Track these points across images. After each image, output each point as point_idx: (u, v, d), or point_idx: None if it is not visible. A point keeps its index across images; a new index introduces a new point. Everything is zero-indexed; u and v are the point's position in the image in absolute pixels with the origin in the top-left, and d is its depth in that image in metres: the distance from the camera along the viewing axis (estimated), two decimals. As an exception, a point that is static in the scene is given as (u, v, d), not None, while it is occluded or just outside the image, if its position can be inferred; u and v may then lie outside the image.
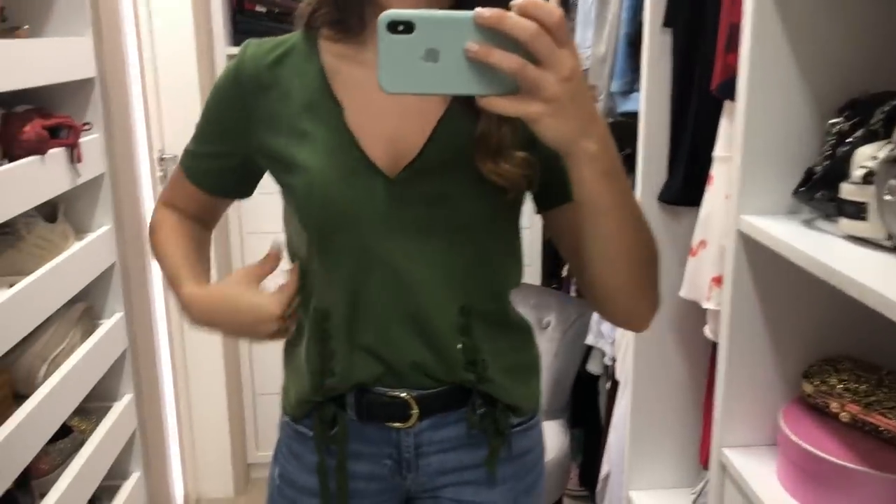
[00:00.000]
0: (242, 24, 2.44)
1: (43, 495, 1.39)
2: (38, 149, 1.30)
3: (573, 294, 2.37)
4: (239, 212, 2.56)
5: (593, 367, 2.18)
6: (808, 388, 1.14)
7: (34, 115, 1.34)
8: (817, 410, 1.13)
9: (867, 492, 1.01)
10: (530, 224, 2.62)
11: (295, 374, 1.05)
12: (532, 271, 2.63)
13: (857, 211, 0.97)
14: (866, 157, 0.97)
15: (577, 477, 2.44)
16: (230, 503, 2.69)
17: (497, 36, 0.68)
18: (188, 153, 1.07)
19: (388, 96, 0.75)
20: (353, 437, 1.02)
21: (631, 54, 1.67)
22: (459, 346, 0.97)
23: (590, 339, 2.10)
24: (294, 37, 1.00)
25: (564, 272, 2.41)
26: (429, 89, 0.73)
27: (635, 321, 0.95)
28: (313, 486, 1.04)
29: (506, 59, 0.68)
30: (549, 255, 2.61)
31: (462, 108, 0.92)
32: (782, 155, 1.12)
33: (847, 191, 0.98)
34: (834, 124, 1.06)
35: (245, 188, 1.08)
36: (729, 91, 1.21)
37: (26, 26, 1.38)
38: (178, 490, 1.93)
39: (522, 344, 1.07)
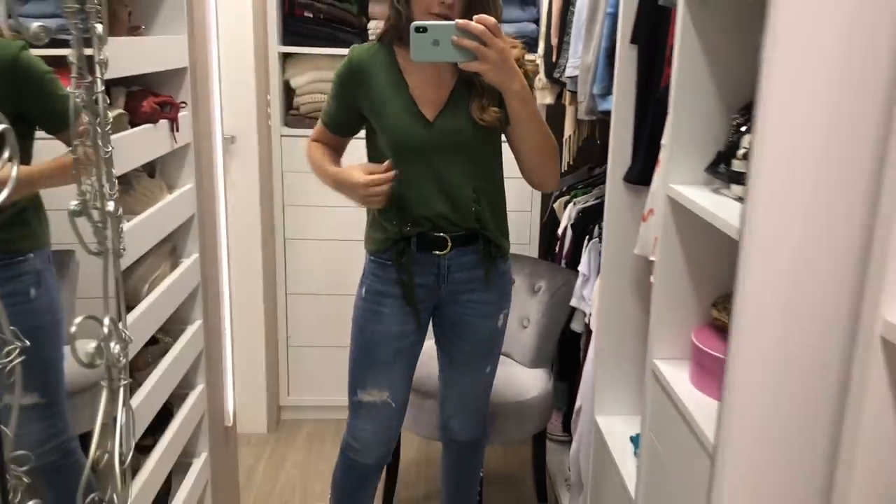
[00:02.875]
0: (293, 26, 2.87)
1: (138, 385, 1.82)
2: (152, 119, 1.72)
3: (563, 265, 2.78)
4: (284, 220, 3.02)
5: (576, 325, 2.58)
6: (714, 313, 1.54)
7: (147, 94, 1.78)
8: (719, 329, 1.53)
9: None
10: (530, 208, 3.04)
11: (380, 227, 1.87)
12: (531, 248, 3.04)
13: (739, 178, 1.38)
14: (747, 141, 1.38)
15: (560, 423, 2.84)
16: (262, 439, 3.13)
17: (466, 32, 1.57)
18: (325, 113, 1.93)
19: (426, 76, 1.81)
20: (414, 262, 1.86)
21: (608, 64, 2.08)
22: (473, 208, 1.85)
23: (573, 302, 2.50)
24: (380, 46, 1.85)
25: (557, 249, 2.82)
26: (436, 59, 1.63)
27: (546, 184, 1.92)
28: (389, 291, 1.89)
29: (471, 43, 1.58)
30: (546, 234, 3.03)
31: (463, 85, 1.81)
32: (700, 140, 1.52)
33: (735, 165, 1.39)
34: (734, 119, 1.47)
35: (354, 130, 1.94)
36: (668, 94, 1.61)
37: (143, 26, 1.81)
38: (230, 406, 2.35)
39: (504, 212, 1.95)
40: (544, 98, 2.85)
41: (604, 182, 2.90)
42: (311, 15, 2.87)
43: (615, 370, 2.09)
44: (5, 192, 1.01)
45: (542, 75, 2.82)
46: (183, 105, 1.87)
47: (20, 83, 1.38)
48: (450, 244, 1.86)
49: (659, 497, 1.57)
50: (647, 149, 1.88)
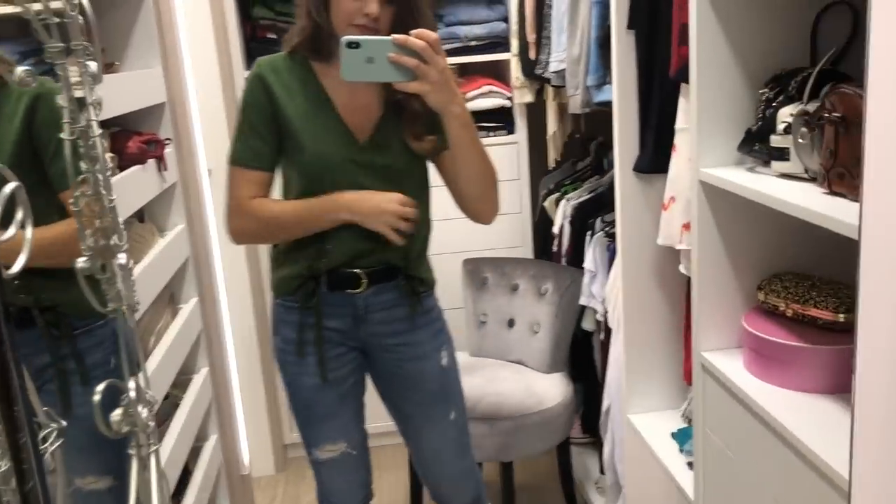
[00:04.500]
0: (256, 49, 2.75)
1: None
2: (140, 160, 1.61)
3: (564, 264, 2.71)
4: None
5: (587, 324, 2.51)
6: (760, 296, 1.49)
7: (131, 133, 1.66)
8: (769, 313, 1.48)
9: (810, 363, 1.36)
10: (521, 209, 2.97)
11: (289, 262, 1.63)
12: (525, 250, 2.97)
13: (781, 155, 1.32)
14: (785, 115, 1.32)
15: (580, 426, 2.77)
16: (272, 480, 2.99)
17: (404, 48, 1.39)
18: (236, 150, 1.58)
19: (355, 96, 1.56)
20: (325, 303, 1.63)
21: (601, 54, 2.02)
22: (399, 244, 1.58)
23: (583, 300, 2.43)
24: (292, 56, 1.59)
25: (554, 247, 2.76)
26: (370, 79, 1.44)
27: (483, 217, 1.66)
28: (308, 337, 1.64)
29: (409, 60, 1.40)
30: (539, 234, 2.96)
31: (392, 108, 1.59)
32: (726, 120, 1.46)
33: (774, 141, 1.34)
34: (762, 94, 1.41)
35: (279, 162, 1.62)
36: (684, 76, 1.55)
37: (116, 62, 1.69)
38: (244, 453, 2.22)
39: (428, 244, 1.72)
40: (524, 97, 2.79)
41: (593, 175, 2.86)
42: (274, 35, 2.77)
43: (645, 366, 2.02)
44: (20, 261, 0.90)
45: (518, 74, 2.76)
46: (168, 142, 1.76)
47: (35, 135, 1.25)
48: (365, 281, 1.64)
49: (727, 495, 1.51)
50: (657, 136, 1.83)
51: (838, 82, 1.29)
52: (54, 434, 0.94)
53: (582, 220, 2.54)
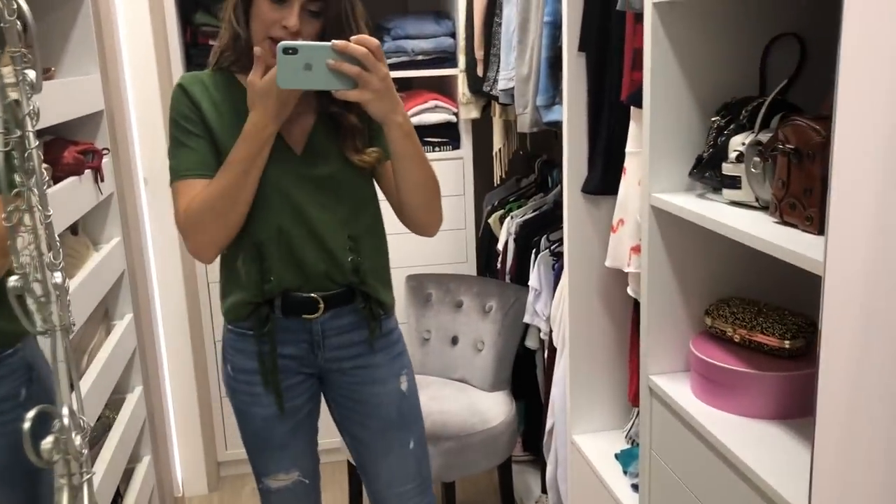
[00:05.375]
0: (197, 57, 2.67)
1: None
2: (77, 171, 1.54)
3: (508, 281, 2.71)
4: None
5: (531, 342, 2.51)
6: (708, 321, 1.50)
7: (66, 143, 1.58)
8: (717, 338, 1.49)
9: (755, 389, 1.38)
10: (465, 225, 2.96)
11: (237, 287, 1.53)
12: (469, 266, 2.96)
13: (733, 183, 1.34)
14: (737, 143, 1.34)
15: (521, 444, 2.77)
16: (205, 500, 2.90)
17: (344, 55, 1.32)
18: (176, 164, 1.47)
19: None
20: (279, 329, 1.54)
21: (551, 74, 2.02)
22: (350, 258, 1.54)
23: (527, 318, 2.43)
24: (214, 71, 1.52)
25: (498, 264, 2.75)
26: (308, 86, 1.36)
27: (428, 229, 1.59)
28: (256, 367, 1.55)
29: (350, 68, 1.32)
30: (483, 250, 2.95)
31: (325, 118, 1.51)
32: (678, 146, 1.48)
33: (726, 168, 1.35)
34: (714, 122, 1.43)
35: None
36: (636, 100, 1.57)
37: (53, 68, 1.61)
38: (178, 475, 2.14)
39: (386, 260, 1.63)
40: (469, 113, 2.79)
41: (537, 193, 2.87)
42: (215, 42, 2.68)
43: (590, 386, 2.03)
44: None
45: (465, 90, 2.75)
46: (106, 152, 1.68)
47: None
48: (322, 305, 1.54)
49: (673, 518, 1.51)
50: (606, 158, 1.84)
51: (788, 113, 1.32)
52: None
53: (526, 238, 2.54)
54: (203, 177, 1.45)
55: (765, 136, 1.29)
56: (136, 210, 1.92)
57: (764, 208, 1.30)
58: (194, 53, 2.69)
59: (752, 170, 1.27)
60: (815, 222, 1.12)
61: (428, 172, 1.53)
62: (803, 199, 1.16)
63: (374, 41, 1.33)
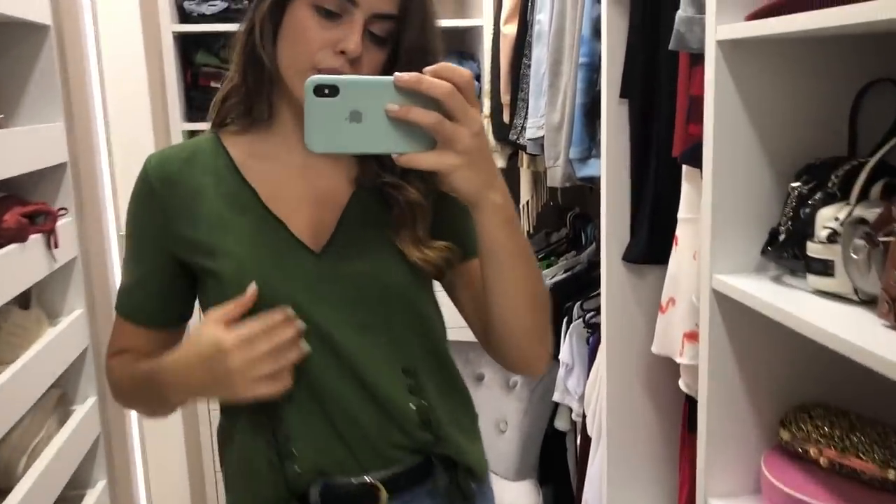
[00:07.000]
0: (198, 99, 2.47)
1: None
2: (19, 237, 1.29)
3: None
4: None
5: (561, 423, 2.22)
6: (785, 435, 1.20)
7: (12, 203, 1.34)
8: (796, 457, 1.19)
9: (852, 532, 1.07)
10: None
11: (246, 480, 1.00)
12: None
13: (824, 268, 1.05)
14: (828, 217, 1.05)
15: (548, 534, 2.46)
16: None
17: (415, 96, 0.79)
18: (123, 292, 1.05)
19: (299, 183, 0.93)
20: None
21: (587, 123, 1.76)
22: (411, 405, 0.99)
23: (556, 397, 2.15)
24: (197, 141, 1.05)
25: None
26: (354, 149, 0.84)
27: (535, 364, 1.02)
28: None
29: (425, 116, 0.79)
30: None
31: (366, 192, 1.00)
32: (747, 217, 1.19)
33: (813, 249, 1.06)
34: (794, 188, 1.14)
35: (185, 309, 1.06)
36: (691, 158, 1.29)
37: (1, 115, 1.38)
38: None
39: (467, 405, 1.10)
40: (495, 162, 2.53)
41: (569, 250, 2.60)
42: (218, 85, 2.47)
43: (630, 487, 1.72)
44: None
45: (490, 137, 2.50)
46: (62, 213, 1.44)
47: None
48: (384, 493, 0.98)
49: None
50: (653, 222, 1.56)
51: (893, 178, 1.03)
52: None
53: (557, 304, 2.26)
54: (138, 324, 1.03)
55: (866, 211, 1.00)
56: (107, 277, 1.67)
57: (864, 303, 1.00)
58: (195, 96, 2.49)
59: (853, 255, 0.98)
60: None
61: (536, 279, 0.97)
62: (927, 299, 0.87)
63: (466, 73, 0.80)
